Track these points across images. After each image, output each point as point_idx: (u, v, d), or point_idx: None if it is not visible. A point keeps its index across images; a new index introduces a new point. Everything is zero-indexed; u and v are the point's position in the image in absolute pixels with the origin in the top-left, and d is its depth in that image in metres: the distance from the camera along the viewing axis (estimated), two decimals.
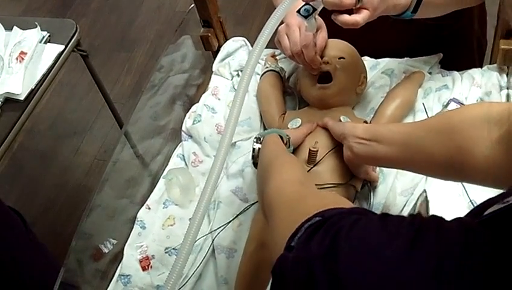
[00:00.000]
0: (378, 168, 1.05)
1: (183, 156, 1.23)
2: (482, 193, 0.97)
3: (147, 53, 2.90)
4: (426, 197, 0.99)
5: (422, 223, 0.48)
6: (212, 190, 0.78)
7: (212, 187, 0.78)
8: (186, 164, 1.21)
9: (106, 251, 1.11)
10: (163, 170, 1.22)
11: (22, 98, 1.61)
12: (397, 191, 1.04)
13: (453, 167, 0.75)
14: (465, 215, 0.57)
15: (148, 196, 1.18)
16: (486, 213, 0.48)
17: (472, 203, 0.99)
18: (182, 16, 1.41)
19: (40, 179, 2.51)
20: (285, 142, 0.98)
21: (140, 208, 1.15)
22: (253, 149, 0.97)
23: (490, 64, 1.22)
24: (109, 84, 2.64)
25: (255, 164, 0.97)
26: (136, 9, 3.15)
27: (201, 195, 0.76)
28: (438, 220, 0.48)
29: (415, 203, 0.99)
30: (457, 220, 0.48)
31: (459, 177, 0.80)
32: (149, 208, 1.15)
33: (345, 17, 0.92)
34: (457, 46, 1.27)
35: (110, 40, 3.01)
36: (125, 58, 2.90)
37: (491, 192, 0.95)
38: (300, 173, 0.83)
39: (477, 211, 0.51)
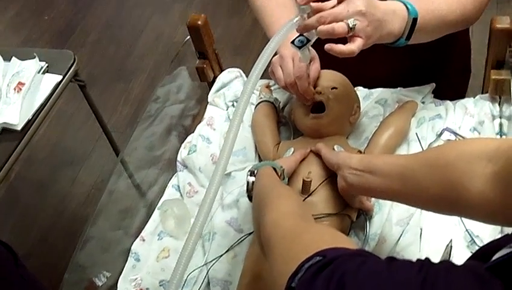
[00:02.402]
0: (373, 198, 1.05)
1: (178, 186, 1.23)
2: (479, 224, 0.98)
3: (144, 83, 2.91)
4: (451, 245, 0.98)
5: (430, 271, 0.47)
6: (205, 219, 0.78)
7: (204, 216, 0.79)
8: (181, 195, 1.21)
9: (100, 283, 1.10)
10: (159, 200, 1.22)
11: (18, 128, 1.62)
12: (393, 221, 1.04)
13: (447, 202, 0.75)
14: (472, 258, 0.57)
15: (143, 227, 1.17)
16: (494, 258, 0.48)
17: (468, 232, 0.99)
18: (180, 46, 1.43)
19: (37, 208, 2.50)
20: (279, 173, 0.99)
21: (135, 239, 1.15)
22: (247, 183, 0.98)
23: (482, 93, 1.23)
24: (107, 113, 2.65)
25: (250, 198, 0.98)
26: (134, 39, 3.18)
27: (193, 225, 0.77)
28: (446, 267, 0.48)
29: (444, 251, 0.98)
30: (466, 266, 0.48)
31: (453, 211, 0.80)
32: (143, 240, 1.14)
33: (341, 47, 0.92)
34: (443, 75, 1.29)
35: (109, 70, 3.03)
36: (123, 88, 2.91)
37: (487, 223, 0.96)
38: (297, 205, 0.83)
39: (484, 253, 0.51)
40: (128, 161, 1.29)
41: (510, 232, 0.54)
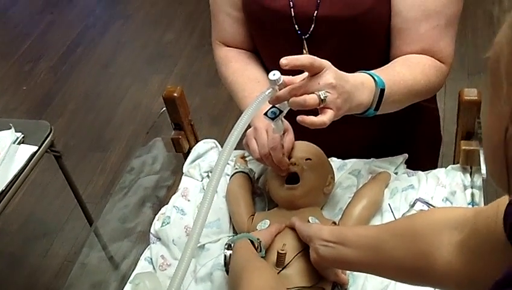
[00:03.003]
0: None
1: (151, 259, 1.20)
2: None
3: (122, 153, 2.90)
4: None
5: None
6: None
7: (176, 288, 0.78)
8: (154, 268, 1.18)
9: None
10: (131, 273, 1.19)
11: None
12: None
13: (417, 272, 0.75)
14: None
15: None
16: None
17: None
18: (156, 117, 1.44)
19: (8, 281, 2.43)
20: (256, 246, 0.98)
21: None
22: (225, 256, 0.98)
23: (454, 163, 1.25)
24: (82, 184, 2.63)
25: (227, 271, 0.97)
26: (112, 110, 3.20)
27: None
28: None
29: None
30: None
31: (424, 282, 0.80)
32: None
33: (312, 119, 0.94)
34: (414, 146, 1.32)
35: (86, 140, 3.03)
36: (99, 158, 2.90)
37: None
38: (271, 278, 0.83)
39: None
40: (101, 233, 1.27)
41: None
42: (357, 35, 1.14)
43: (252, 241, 0.98)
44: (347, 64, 1.01)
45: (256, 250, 0.98)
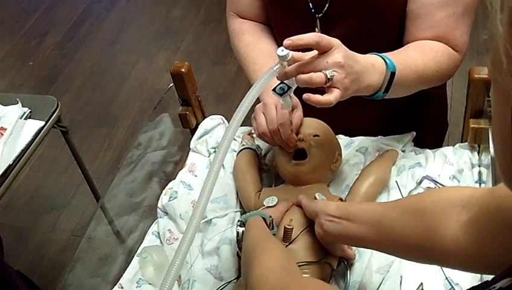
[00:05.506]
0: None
1: (158, 233, 1.21)
2: (458, 271, 0.98)
3: (128, 129, 2.92)
4: (422, 288, 0.98)
5: None
6: (181, 263, 0.78)
7: (180, 260, 0.79)
8: (161, 242, 1.20)
9: None
10: (138, 247, 1.20)
11: None
12: (373, 268, 1.03)
13: (423, 249, 0.76)
14: None
15: (122, 275, 1.15)
16: None
17: (448, 280, 0.99)
18: (163, 93, 1.44)
19: (15, 255, 2.45)
20: (268, 223, 0.99)
21: (113, 287, 1.13)
22: (237, 233, 0.99)
23: (462, 142, 1.25)
24: (89, 159, 2.65)
25: (240, 248, 0.98)
26: (119, 86, 3.20)
27: (168, 269, 0.76)
28: None
29: None
30: None
31: (430, 259, 0.80)
32: (122, 288, 1.12)
33: (318, 97, 0.93)
34: (420, 127, 1.31)
35: (92, 116, 3.04)
36: (106, 134, 2.91)
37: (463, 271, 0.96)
38: (283, 258, 0.83)
39: None
40: (108, 207, 1.28)
41: (490, 279, 0.54)
42: (371, 17, 1.13)
43: (264, 219, 0.99)
44: (359, 46, 1.00)
45: (268, 227, 0.98)
